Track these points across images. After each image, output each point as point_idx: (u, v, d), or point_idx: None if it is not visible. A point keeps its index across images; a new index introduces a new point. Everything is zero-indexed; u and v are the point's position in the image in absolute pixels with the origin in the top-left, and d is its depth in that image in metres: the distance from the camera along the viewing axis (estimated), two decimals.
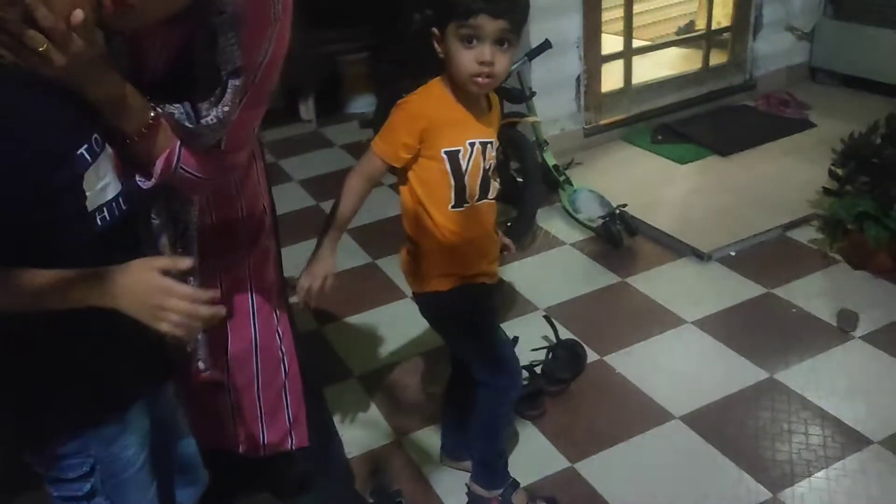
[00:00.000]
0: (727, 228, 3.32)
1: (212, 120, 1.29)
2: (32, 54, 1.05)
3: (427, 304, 1.98)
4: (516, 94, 3.46)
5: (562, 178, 3.60)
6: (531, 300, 3.04)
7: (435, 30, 1.70)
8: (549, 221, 3.58)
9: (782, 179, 3.67)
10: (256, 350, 1.70)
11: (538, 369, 2.58)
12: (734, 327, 2.79)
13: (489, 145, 1.80)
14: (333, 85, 5.03)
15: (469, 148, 1.76)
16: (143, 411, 1.38)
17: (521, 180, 3.41)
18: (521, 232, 3.38)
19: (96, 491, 1.34)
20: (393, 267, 2.67)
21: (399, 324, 2.93)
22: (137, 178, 1.31)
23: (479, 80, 1.68)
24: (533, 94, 3.52)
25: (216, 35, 1.24)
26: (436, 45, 1.71)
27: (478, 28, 1.62)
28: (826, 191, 3.18)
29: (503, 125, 3.37)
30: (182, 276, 1.27)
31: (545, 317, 2.74)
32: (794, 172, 3.70)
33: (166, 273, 1.19)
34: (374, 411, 2.55)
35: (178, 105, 1.30)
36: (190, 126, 1.30)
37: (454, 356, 2.21)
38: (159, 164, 1.30)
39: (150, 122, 1.26)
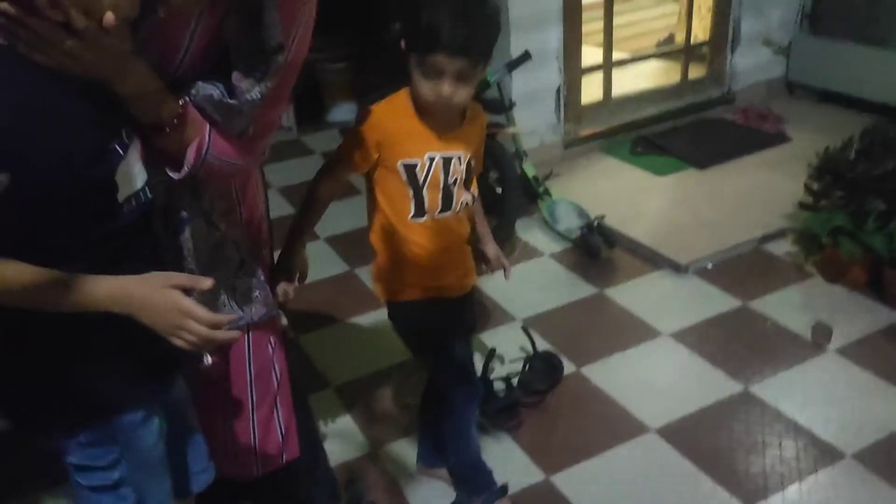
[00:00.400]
0: (704, 241, 3.34)
1: (255, 95, 1.29)
2: (63, 54, 1.06)
3: (391, 313, 2.00)
4: (496, 104, 3.46)
5: (541, 189, 3.61)
6: (509, 311, 3.04)
7: (402, 44, 1.69)
8: (528, 232, 3.59)
9: (759, 193, 3.70)
10: (250, 363, 1.69)
11: (515, 381, 2.57)
12: (710, 340, 2.81)
13: (455, 160, 1.78)
14: (314, 93, 5.02)
15: (427, 162, 1.76)
16: (160, 401, 1.40)
17: (500, 191, 3.42)
18: (499, 242, 3.36)
19: (123, 479, 1.36)
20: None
21: (377, 334, 2.92)
22: (168, 170, 1.31)
23: (438, 107, 1.69)
24: (513, 104, 3.53)
25: (257, 13, 1.24)
26: (402, 57, 1.72)
27: (436, 65, 1.61)
28: (801, 205, 3.21)
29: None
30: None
31: (523, 328, 2.73)
32: (771, 186, 3.73)
33: (186, 290, 1.20)
34: (349, 422, 2.54)
35: (214, 85, 1.29)
36: (232, 102, 1.29)
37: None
38: (190, 153, 1.30)
39: (180, 112, 1.25)
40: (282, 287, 1.73)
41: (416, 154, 1.75)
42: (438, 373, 2.07)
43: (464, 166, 1.81)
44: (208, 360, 1.53)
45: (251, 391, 1.70)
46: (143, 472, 1.39)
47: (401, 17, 1.71)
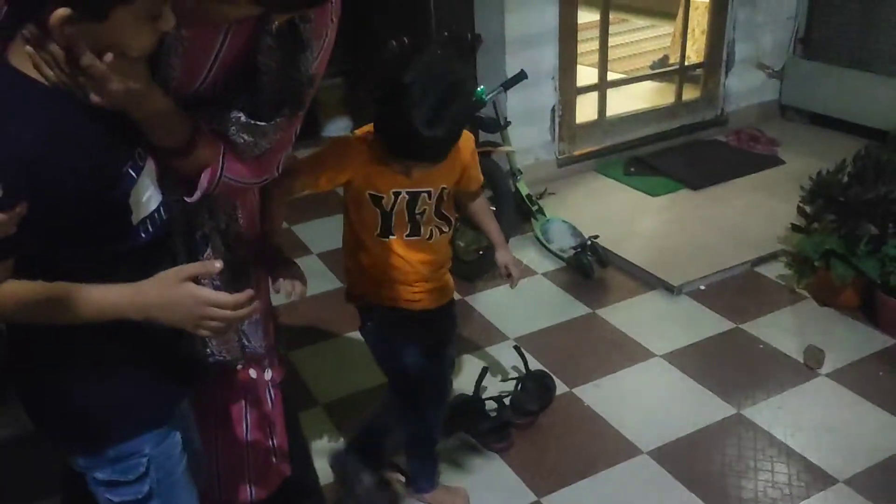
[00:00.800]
0: (697, 262, 3.34)
1: (281, 118, 1.31)
2: (76, 84, 1.09)
3: (360, 325, 2.05)
4: (491, 123, 3.47)
5: (534, 208, 3.61)
6: (501, 330, 3.02)
7: (375, 122, 1.74)
8: (522, 251, 3.58)
9: (752, 215, 3.71)
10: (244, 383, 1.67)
11: (507, 400, 2.56)
12: (703, 362, 2.80)
13: (424, 195, 1.83)
14: (309, 108, 5.00)
15: (393, 196, 1.81)
16: (181, 410, 1.41)
17: (494, 209, 3.40)
18: (492, 260, 3.36)
19: (153, 492, 1.36)
20: None
21: (368, 351, 2.89)
22: (182, 193, 1.31)
23: None
24: (508, 123, 3.53)
25: (293, 43, 1.26)
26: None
27: (405, 162, 1.74)
28: (794, 227, 3.22)
29: (478, 153, 3.40)
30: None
31: (515, 347, 2.72)
32: (764, 208, 3.74)
33: (198, 279, 1.21)
34: (339, 441, 2.51)
35: (236, 113, 1.29)
36: (260, 123, 1.29)
37: None
38: (204, 178, 1.29)
39: (194, 137, 1.25)
40: (288, 283, 1.68)
41: (383, 189, 1.80)
42: (407, 386, 2.08)
43: (434, 199, 1.85)
44: (242, 365, 1.56)
45: (246, 413, 1.68)
46: (171, 485, 1.39)
47: (378, 107, 1.71)
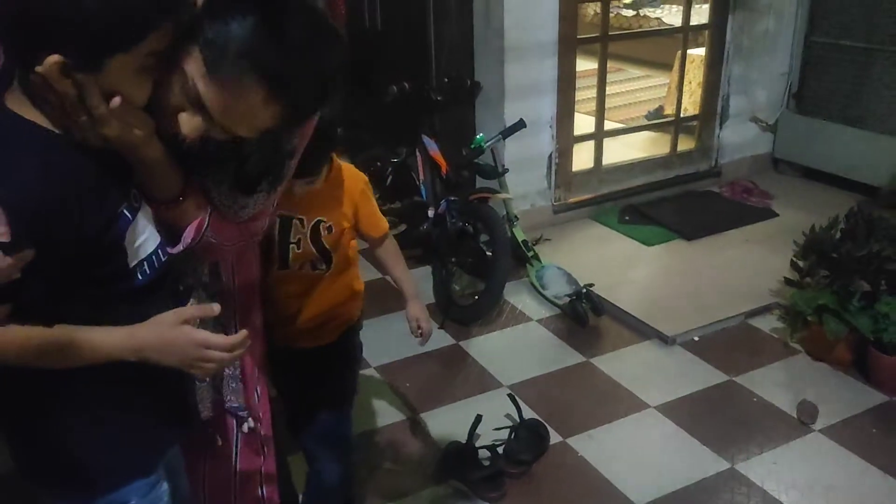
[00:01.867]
0: (691, 313, 3.36)
1: (261, 194, 1.34)
2: (78, 127, 1.11)
3: None
4: (489, 170, 3.51)
5: (530, 254, 3.63)
6: (496, 376, 3.02)
7: None
8: (517, 296, 3.59)
9: (746, 267, 3.74)
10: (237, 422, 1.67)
11: (500, 449, 2.54)
12: (697, 414, 2.79)
13: (297, 222, 1.79)
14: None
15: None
16: (171, 459, 1.40)
17: (490, 254, 3.43)
18: (488, 305, 3.38)
19: None
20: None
21: (360, 394, 2.88)
22: (165, 245, 1.32)
23: None
24: (506, 170, 3.57)
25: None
26: None
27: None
28: (788, 281, 3.25)
29: (475, 199, 3.43)
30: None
31: (509, 395, 2.71)
32: (758, 260, 3.77)
33: (194, 321, 1.23)
34: None
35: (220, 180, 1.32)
36: (241, 198, 1.32)
37: None
38: (189, 232, 1.31)
39: (184, 189, 1.28)
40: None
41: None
42: (300, 434, 2.02)
43: (307, 229, 1.80)
44: (250, 423, 1.56)
45: (236, 447, 1.67)
46: None
47: None
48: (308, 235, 1.81)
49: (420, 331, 2.05)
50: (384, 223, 1.98)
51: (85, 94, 1.07)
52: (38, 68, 1.05)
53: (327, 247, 1.84)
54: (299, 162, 1.48)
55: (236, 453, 1.68)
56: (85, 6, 1.02)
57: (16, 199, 1.06)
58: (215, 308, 1.25)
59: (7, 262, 1.05)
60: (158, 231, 1.29)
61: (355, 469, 2.50)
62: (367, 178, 1.95)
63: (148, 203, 1.27)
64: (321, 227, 1.82)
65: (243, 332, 1.26)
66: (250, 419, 1.67)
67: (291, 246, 1.81)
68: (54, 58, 1.04)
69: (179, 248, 1.32)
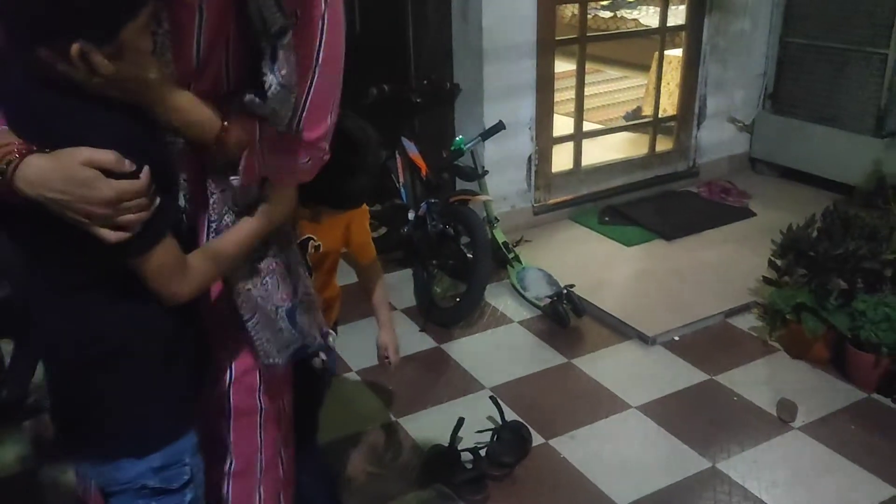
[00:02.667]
0: (671, 313, 3.38)
1: (275, 88, 1.28)
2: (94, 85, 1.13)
3: None
4: (469, 172, 3.51)
5: (511, 256, 3.63)
6: (477, 378, 3.01)
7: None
8: (498, 298, 3.59)
9: (724, 266, 3.76)
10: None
11: (483, 452, 2.54)
12: (678, 414, 2.81)
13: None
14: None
15: None
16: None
17: (470, 256, 3.43)
18: (469, 307, 3.38)
19: (198, 499, 1.38)
20: (340, 340, 2.66)
21: (346, 399, 2.87)
22: (231, 177, 1.34)
23: None
24: (485, 172, 3.57)
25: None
26: None
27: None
28: (766, 280, 3.27)
29: (455, 201, 3.43)
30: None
31: (491, 397, 2.71)
32: (736, 260, 3.80)
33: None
34: None
35: (247, 92, 1.30)
36: (262, 102, 1.29)
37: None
38: (243, 163, 1.32)
39: (224, 126, 1.29)
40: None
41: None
42: None
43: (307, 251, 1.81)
44: (322, 357, 1.55)
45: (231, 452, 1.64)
46: (202, 498, 1.40)
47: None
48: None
49: (387, 360, 2.10)
50: (373, 251, 2.02)
51: (97, 68, 1.10)
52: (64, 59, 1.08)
53: (309, 263, 1.83)
54: (346, 193, 1.66)
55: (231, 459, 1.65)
56: None
57: (118, 138, 1.13)
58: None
59: (144, 185, 1.13)
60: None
61: (337, 474, 2.50)
62: (367, 207, 1.97)
63: (199, 149, 1.31)
64: (309, 245, 1.82)
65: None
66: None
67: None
68: (76, 47, 1.07)
69: (240, 178, 1.33)
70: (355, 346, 2.75)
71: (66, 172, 1.12)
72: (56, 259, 1.23)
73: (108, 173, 1.11)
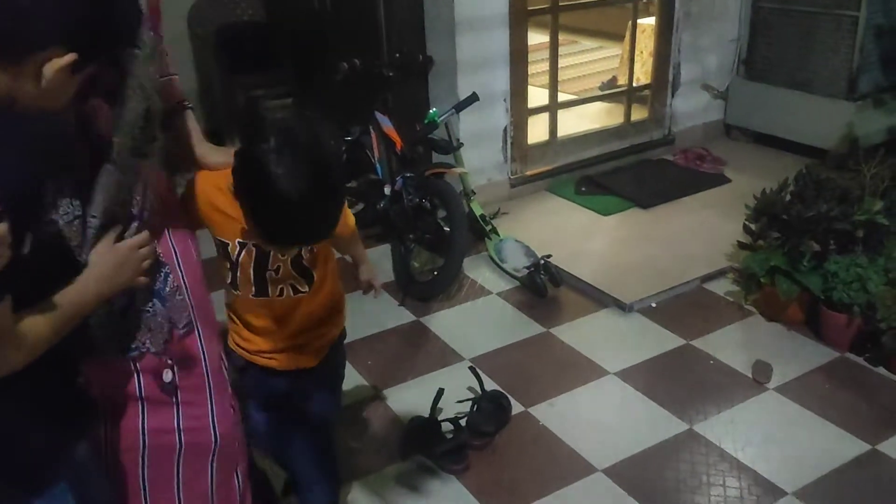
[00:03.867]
0: (648, 280, 3.40)
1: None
2: None
3: None
4: (444, 145, 3.50)
5: (488, 228, 3.63)
6: (457, 350, 3.03)
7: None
8: (476, 270, 3.60)
9: (700, 232, 3.79)
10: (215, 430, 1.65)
11: (463, 422, 2.55)
12: (655, 378, 2.84)
13: (273, 252, 1.71)
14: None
15: (238, 247, 1.70)
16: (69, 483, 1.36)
17: (447, 229, 3.43)
18: (447, 280, 3.38)
19: None
20: None
21: None
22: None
23: None
24: (460, 145, 3.56)
25: None
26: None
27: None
28: (741, 244, 3.30)
29: (431, 175, 3.42)
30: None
31: (470, 368, 2.73)
32: (711, 226, 3.83)
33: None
34: None
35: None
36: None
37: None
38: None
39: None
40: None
41: (228, 236, 1.70)
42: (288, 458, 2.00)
43: (288, 257, 1.73)
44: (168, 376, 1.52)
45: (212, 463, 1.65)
46: None
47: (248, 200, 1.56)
48: (289, 261, 1.74)
49: (374, 292, 2.08)
50: (352, 220, 1.91)
51: None
52: None
53: (307, 265, 1.77)
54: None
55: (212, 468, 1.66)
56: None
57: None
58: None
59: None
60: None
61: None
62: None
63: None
64: (302, 251, 1.74)
65: (144, 234, 1.42)
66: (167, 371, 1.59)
67: (269, 273, 1.73)
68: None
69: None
70: None
71: None
72: None
73: None
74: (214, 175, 1.68)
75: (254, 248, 1.70)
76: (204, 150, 1.69)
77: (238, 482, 1.72)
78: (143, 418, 1.53)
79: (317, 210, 1.51)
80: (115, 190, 1.37)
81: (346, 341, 2.91)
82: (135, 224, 1.44)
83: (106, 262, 1.35)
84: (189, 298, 1.57)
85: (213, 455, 1.63)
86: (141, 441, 1.54)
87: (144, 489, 1.57)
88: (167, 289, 1.52)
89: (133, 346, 1.48)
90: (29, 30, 1.09)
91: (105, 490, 1.49)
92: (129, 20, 1.26)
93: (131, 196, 1.44)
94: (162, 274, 1.52)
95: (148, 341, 1.49)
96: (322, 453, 2.03)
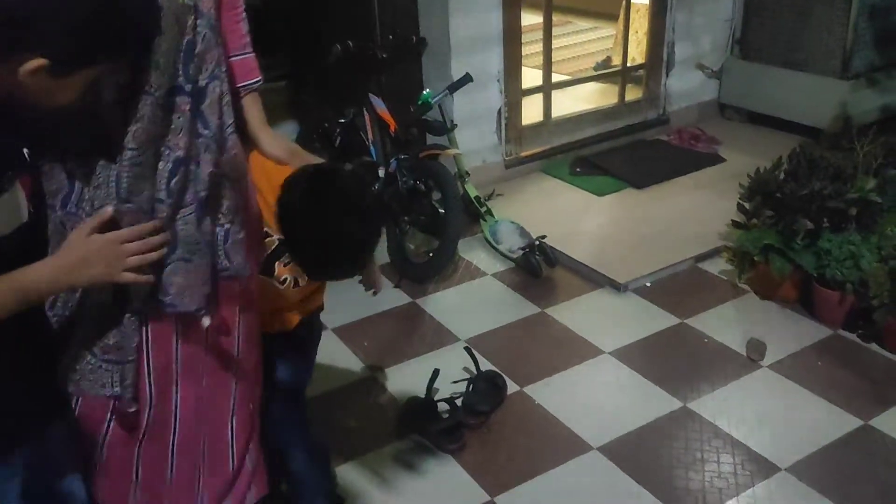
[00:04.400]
0: (643, 259, 3.41)
1: None
2: None
3: None
4: (438, 126, 3.49)
5: (483, 209, 3.63)
6: (452, 331, 3.04)
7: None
8: (471, 252, 3.60)
9: (694, 212, 3.80)
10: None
11: (458, 402, 2.57)
12: (650, 357, 2.86)
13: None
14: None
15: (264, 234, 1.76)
16: (27, 457, 1.35)
17: (442, 211, 3.43)
18: (442, 262, 3.39)
19: None
20: None
21: (321, 356, 2.87)
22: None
23: None
24: (454, 126, 3.56)
25: None
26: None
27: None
28: (735, 223, 3.31)
29: (425, 156, 3.42)
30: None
31: (466, 348, 2.74)
32: (706, 205, 3.83)
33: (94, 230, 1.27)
34: None
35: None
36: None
37: None
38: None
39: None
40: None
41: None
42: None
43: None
44: (207, 321, 1.48)
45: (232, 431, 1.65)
46: None
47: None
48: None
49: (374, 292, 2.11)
50: None
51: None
52: None
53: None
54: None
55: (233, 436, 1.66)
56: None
57: None
58: (108, 209, 1.29)
59: None
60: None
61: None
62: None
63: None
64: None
65: (154, 222, 1.31)
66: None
67: (280, 262, 1.78)
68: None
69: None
70: (330, 305, 2.74)
71: None
72: None
73: None
74: (269, 164, 1.68)
75: (277, 241, 1.73)
76: (264, 136, 1.66)
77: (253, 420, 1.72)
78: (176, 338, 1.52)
79: (358, 259, 1.68)
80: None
81: (341, 323, 2.93)
82: (164, 210, 1.36)
83: (70, 251, 1.26)
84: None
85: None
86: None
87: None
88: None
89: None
90: (8, 34, 1.09)
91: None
92: (140, 27, 1.24)
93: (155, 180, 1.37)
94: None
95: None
96: (298, 423, 2.03)
